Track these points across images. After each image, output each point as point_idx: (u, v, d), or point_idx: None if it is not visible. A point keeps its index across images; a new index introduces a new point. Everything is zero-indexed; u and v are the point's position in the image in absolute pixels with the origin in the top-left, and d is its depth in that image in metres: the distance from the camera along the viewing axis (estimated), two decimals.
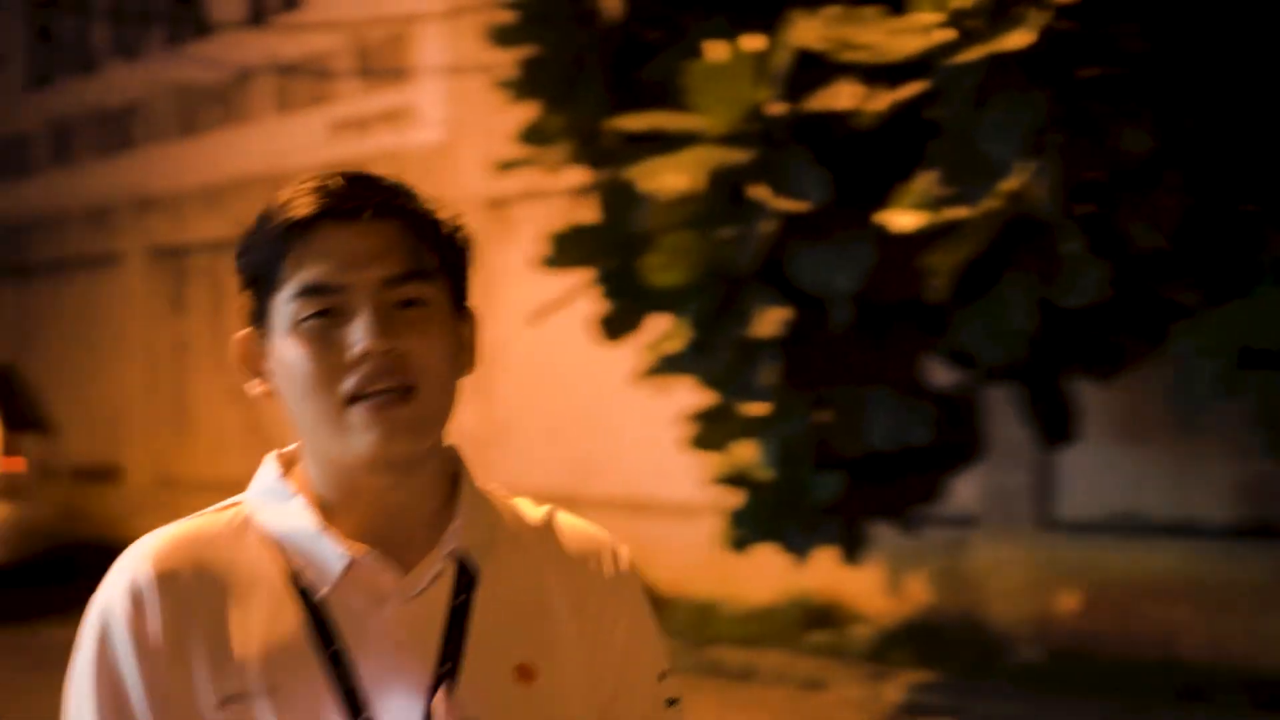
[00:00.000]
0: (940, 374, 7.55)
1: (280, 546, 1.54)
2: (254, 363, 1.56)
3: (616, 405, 11.06)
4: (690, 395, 7.71)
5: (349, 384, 1.47)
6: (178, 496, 14.72)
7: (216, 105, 14.63)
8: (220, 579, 1.52)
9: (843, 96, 5.36)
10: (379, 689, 1.49)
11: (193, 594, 1.51)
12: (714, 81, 5.36)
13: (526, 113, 8.10)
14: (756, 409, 6.53)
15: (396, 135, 12.98)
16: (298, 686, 1.48)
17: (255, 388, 1.57)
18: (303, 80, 13.71)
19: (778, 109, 5.33)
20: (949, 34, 5.22)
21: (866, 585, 9.44)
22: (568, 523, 1.67)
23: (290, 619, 1.50)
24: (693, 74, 5.43)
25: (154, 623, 1.50)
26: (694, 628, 9.95)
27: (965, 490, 8.61)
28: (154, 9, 15.22)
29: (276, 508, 1.56)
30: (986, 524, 9.18)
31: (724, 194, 5.36)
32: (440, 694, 1.49)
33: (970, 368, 7.13)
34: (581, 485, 11.74)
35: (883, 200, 5.61)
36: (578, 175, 8.21)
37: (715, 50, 5.46)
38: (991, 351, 6.02)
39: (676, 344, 6.35)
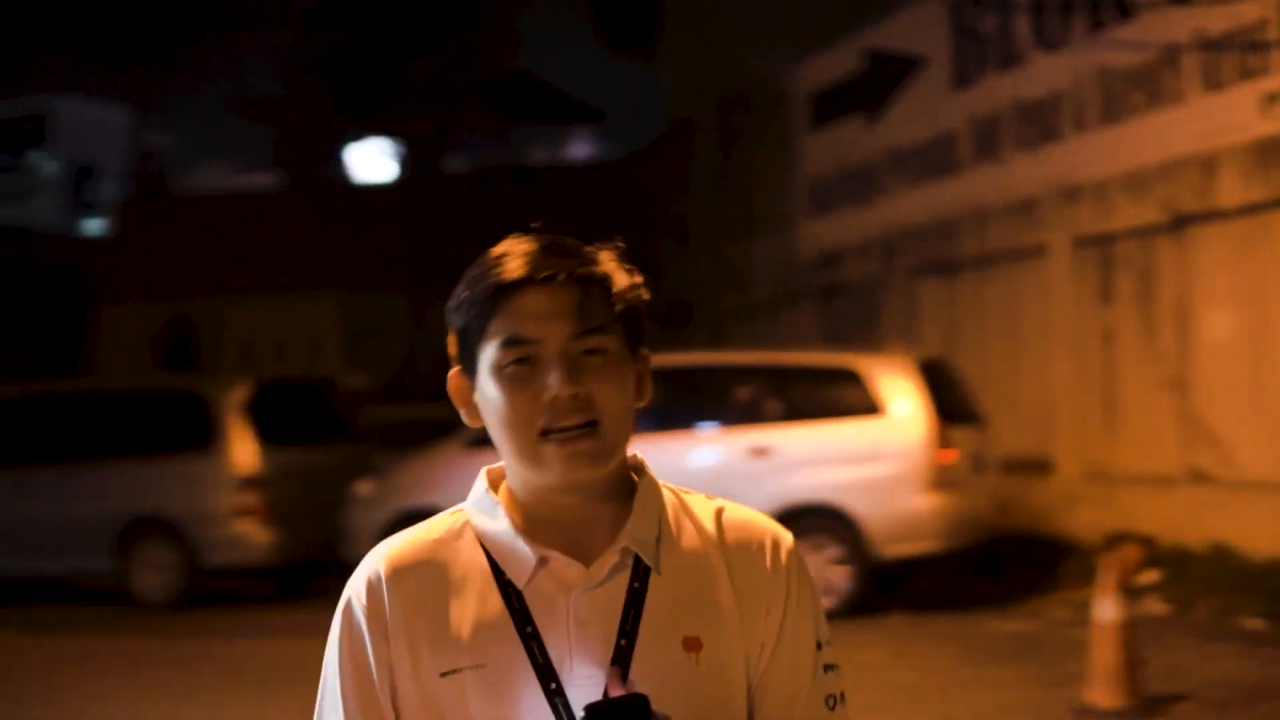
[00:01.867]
0: None
1: (487, 547, 1.86)
2: (464, 396, 1.89)
3: None
4: None
5: (542, 421, 1.78)
6: (1107, 490, 14.46)
7: (1140, 88, 14.21)
8: (441, 573, 1.86)
9: None
10: (567, 663, 1.79)
11: (418, 586, 1.85)
12: None
13: None
14: None
15: None
16: (501, 662, 1.79)
17: (469, 419, 1.89)
18: (1231, 54, 13.00)
19: None
20: None
21: None
22: (733, 517, 1.93)
23: (495, 606, 1.82)
24: None
25: (386, 609, 1.84)
26: None
27: None
28: None
29: (485, 515, 1.88)
30: None
31: None
32: (614, 667, 1.78)
33: None
34: None
35: None
36: None
37: None
38: None
39: None
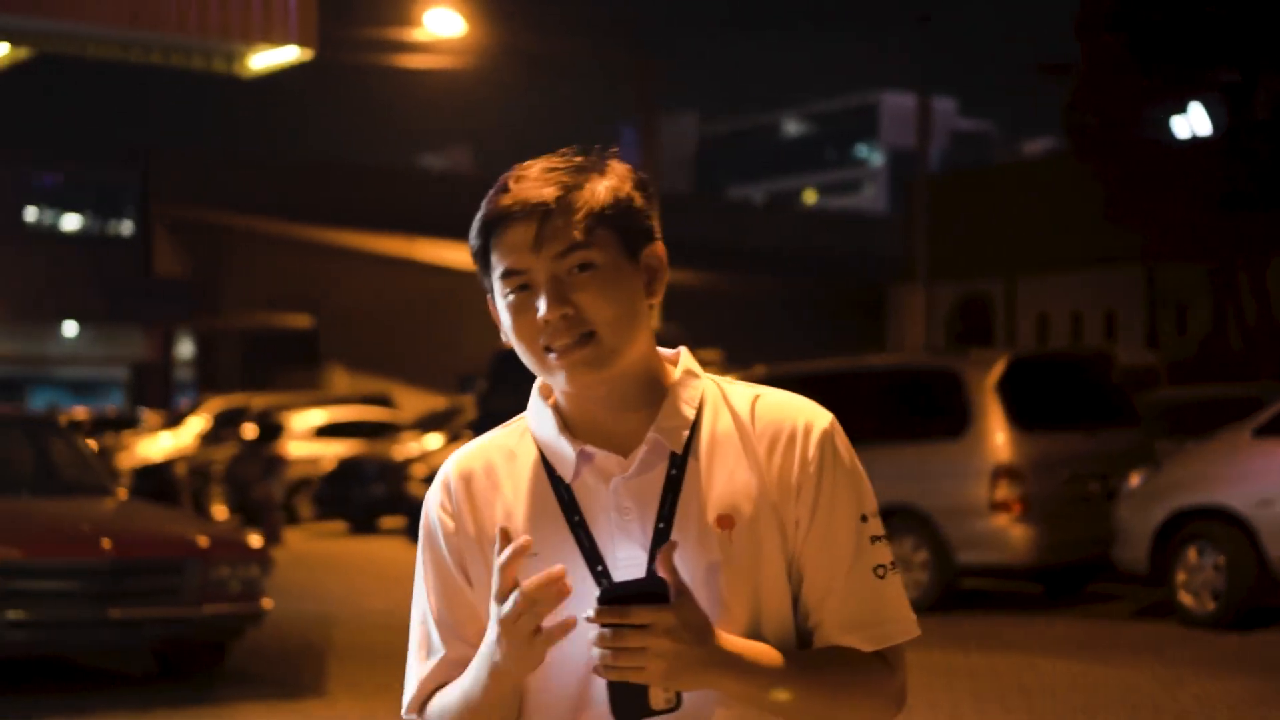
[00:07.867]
0: None
1: (540, 447, 2.09)
2: (497, 319, 2.10)
3: None
4: None
5: (541, 340, 2.00)
6: None
7: None
8: (502, 474, 2.10)
9: None
10: (610, 547, 2.01)
11: (481, 486, 2.10)
12: None
13: None
14: None
15: None
16: (552, 548, 2.01)
17: (505, 339, 2.08)
18: None
19: None
20: None
21: None
22: (767, 403, 2.09)
23: (548, 499, 2.05)
24: None
25: (455, 506, 2.11)
26: None
27: None
28: None
29: (537, 419, 2.11)
30: None
31: None
32: (665, 547, 1.92)
33: None
34: None
35: None
36: None
37: None
38: None
39: None
